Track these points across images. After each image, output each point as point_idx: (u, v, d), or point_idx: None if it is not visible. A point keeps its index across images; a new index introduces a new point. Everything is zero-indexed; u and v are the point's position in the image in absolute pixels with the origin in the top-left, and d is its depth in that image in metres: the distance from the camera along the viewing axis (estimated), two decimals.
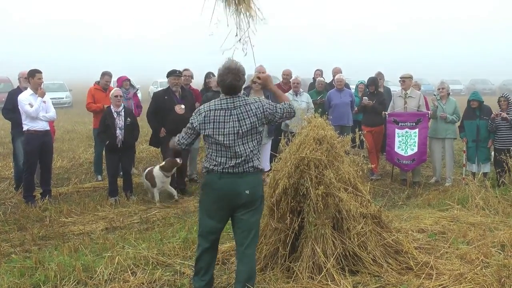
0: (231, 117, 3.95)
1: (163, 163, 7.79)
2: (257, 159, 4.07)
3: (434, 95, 9.20)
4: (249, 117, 3.98)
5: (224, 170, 3.95)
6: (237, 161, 3.94)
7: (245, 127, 3.95)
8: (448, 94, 9.01)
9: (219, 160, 3.97)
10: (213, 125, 3.95)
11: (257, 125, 4.02)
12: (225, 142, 3.93)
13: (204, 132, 3.98)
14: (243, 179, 3.97)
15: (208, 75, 9.50)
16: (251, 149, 4.00)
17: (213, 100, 4.08)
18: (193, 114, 4.08)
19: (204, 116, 3.98)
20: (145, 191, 8.31)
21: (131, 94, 9.41)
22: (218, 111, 3.97)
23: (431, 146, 9.09)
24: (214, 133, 3.94)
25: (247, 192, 3.96)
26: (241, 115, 3.96)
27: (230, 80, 3.96)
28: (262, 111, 4.02)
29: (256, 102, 4.06)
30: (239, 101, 4.01)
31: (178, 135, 4.21)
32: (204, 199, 4.14)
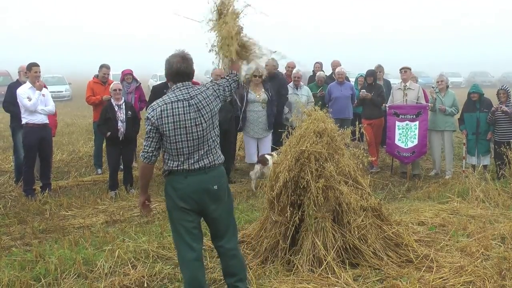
0: (190, 107, 3.67)
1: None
2: (219, 148, 3.89)
3: (433, 87, 9.18)
4: (208, 104, 3.75)
5: (190, 167, 3.69)
6: (201, 153, 3.71)
7: (206, 115, 3.72)
8: (447, 86, 9.00)
9: (183, 158, 3.69)
10: (173, 118, 3.63)
11: (216, 110, 3.83)
12: (188, 136, 3.66)
13: (163, 128, 3.63)
14: (208, 174, 3.74)
15: None
16: (213, 138, 3.81)
17: (167, 94, 3.78)
18: (147, 110, 3.73)
19: (161, 111, 3.63)
20: None
21: (133, 88, 9.35)
22: (176, 103, 3.66)
23: (430, 139, 9.09)
24: (176, 127, 3.63)
25: (215, 187, 3.77)
26: (200, 104, 3.71)
27: (177, 65, 3.71)
28: (217, 94, 3.85)
29: (207, 88, 3.84)
30: (193, 90, 3.76)
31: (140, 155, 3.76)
32: (173, 207, 3.77)
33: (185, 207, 3.73)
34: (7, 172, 9.23)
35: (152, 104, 3.73)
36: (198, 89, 3.80)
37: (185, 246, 3.78)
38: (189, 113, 3.67)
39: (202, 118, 3.70)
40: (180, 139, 3.66)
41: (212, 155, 3.79)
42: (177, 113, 3.64)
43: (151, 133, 3.68)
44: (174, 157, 3.71)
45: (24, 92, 7.38)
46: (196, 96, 3.73)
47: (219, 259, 4.17)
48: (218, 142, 3.90)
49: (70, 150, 11.48)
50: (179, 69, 3.73)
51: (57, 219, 6.57)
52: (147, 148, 3.69)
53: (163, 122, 3.63)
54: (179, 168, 3.70)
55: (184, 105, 3.67)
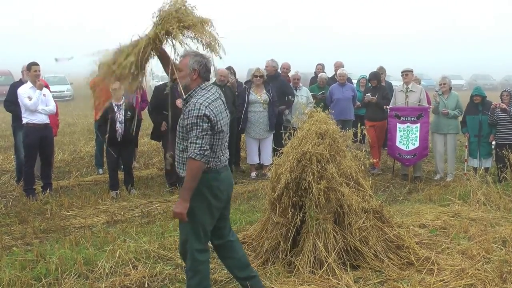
0: (223, 105, 3.80)
1: None
2: None
3: (436, 91, 9.18)
4: (227, 103, 3.94)
5: (222, 164, 3.76)
6: (227, 152, 3.87)
7: (229, 114, 3.92)
8: (450, 88, 8.98)
9: (219, 155, 3.73)
10: (222, 115, 3.69)
11: None
12: (225, 133, 3.76)
13: (219, 124, 3.63)
14: (229, 170, 3.93)
15: (230, 68, 9.14)
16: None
17: (206, 90, 3.71)
18: (199, 108, 3.54)
19: (215, 107, 3.64)
20: (146, 185, 8.33)
21: None
22: (217, 101, 3.70)
23: (434, 141, 9.08)
24: (225, 123, 3.72)
25: (233, 182, 3.97)
26: (224, 103, 3.87)
27: (209, 64, 3.75)
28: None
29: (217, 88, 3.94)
30: (217, 88, 3.87)
31: (195, 151, 3.50)
32: (203, 211, 3.69)
33: (218, 205, 3.76)
34: (8, 171, 9.24)
35: (200, 103, 3.57)
36: (217, 88, 3.88)
37: (199, 249, 3.78)
38: (224, 111, 3.78)
39: (228, 117, 3.84)
40: (226, 135, 3.78)
41: (227, 151, 3.90)
42: (219, 110, 3.70)
43: (208, 130, 3.56)
44: (214, 154, 3.69)
45: (25, 92, 7.37)
46: (221, 95, 3.83)
47: (224, 260, 4.15)
48: None
49: (71, 150, 11.48)
50: (210, 68, 3.78)
51: (58, 219, 6.56)
52: (205, 146, 3.53)
53: (218, 118, 3.64)
54: (217, 165, 3.72)
55: (220, 103, 3.75)
